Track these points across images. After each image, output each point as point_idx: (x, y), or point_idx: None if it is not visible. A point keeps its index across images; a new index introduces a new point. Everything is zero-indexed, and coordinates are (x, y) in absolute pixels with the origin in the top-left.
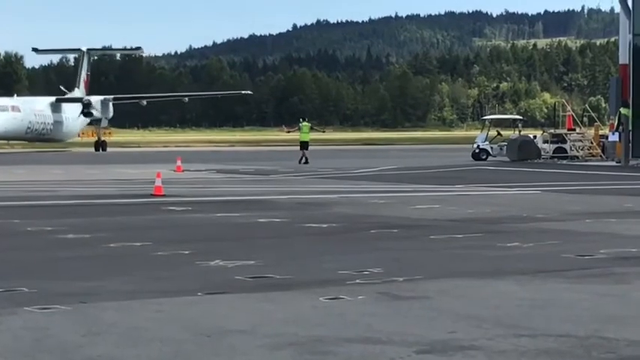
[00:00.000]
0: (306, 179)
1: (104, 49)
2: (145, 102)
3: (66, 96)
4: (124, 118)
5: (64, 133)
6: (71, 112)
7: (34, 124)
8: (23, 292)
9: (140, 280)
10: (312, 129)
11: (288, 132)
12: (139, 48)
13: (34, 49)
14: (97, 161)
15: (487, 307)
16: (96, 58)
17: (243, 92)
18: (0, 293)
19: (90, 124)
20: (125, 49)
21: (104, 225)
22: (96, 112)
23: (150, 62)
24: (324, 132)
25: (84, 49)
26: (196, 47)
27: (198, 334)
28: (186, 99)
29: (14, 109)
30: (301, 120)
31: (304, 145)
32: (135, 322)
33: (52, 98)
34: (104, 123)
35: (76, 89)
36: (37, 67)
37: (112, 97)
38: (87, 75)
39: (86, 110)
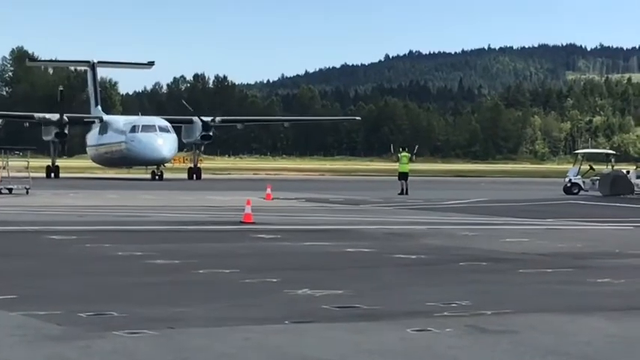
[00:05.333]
0: (395, 210)
1: (113, 62)
2: (240, 125)
3: (93, 115)
4: (215, 146)
5: None
6: None
7: None
8: (112, 316)
9: (228, 307)
10: (411, 160)
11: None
12: (152, 63)
13: (31, 59)
14: (187, 187)
15: (576, 343)
16: (188, 85)
17: (351, 118)
18: (89, 317)
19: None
20: (136, 63)
21: (193, 251)
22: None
23: (242, 90)
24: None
25: (94, 60)
26: (288, 76)
27: None
28: (287, 124)
29: (170, 129)
30: (401, 150)
31: (403, 175)
32: (222, 348)
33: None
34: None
35: (98, 107)
36: (130, 92)
37: (220, 118)
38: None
39: (205, 133)
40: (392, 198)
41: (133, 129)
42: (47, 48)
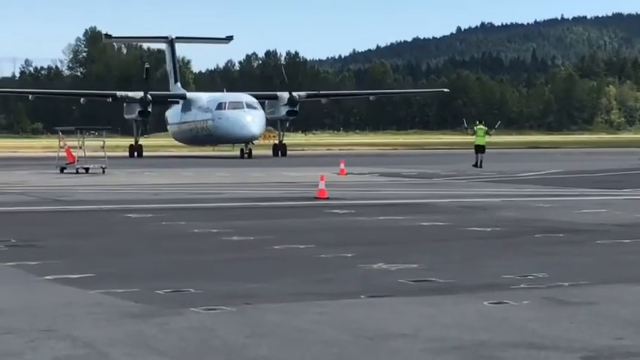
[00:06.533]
0: (469, 182)
1: (192, 38)
2: (324, 100)
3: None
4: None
5: None
6: None
7: None
8: (189, 293)
9: (303, 282)
10: (487, 133)
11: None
12: (230, 37)
13: (107, 36)
14: (260, 164)
15: None
16: (260, 62)
17: (439, 90)
18: (167, 294)
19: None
20: (214, 38)
21: (268, 227)
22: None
23: (314, 66)
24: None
25: (173, 36)
26: (360, 51)
27: (361, 336)
28: (372, 97)
29: (258, 106)
30: (477, 122)
31: (480, 148)
32: (298, 323)
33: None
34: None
35: (177, 84)
36: (203, 70)
37: (305, 93)
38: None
39: (291, 109)
40: (465, 171)
41: (220, 106)
42: (120, 28)
